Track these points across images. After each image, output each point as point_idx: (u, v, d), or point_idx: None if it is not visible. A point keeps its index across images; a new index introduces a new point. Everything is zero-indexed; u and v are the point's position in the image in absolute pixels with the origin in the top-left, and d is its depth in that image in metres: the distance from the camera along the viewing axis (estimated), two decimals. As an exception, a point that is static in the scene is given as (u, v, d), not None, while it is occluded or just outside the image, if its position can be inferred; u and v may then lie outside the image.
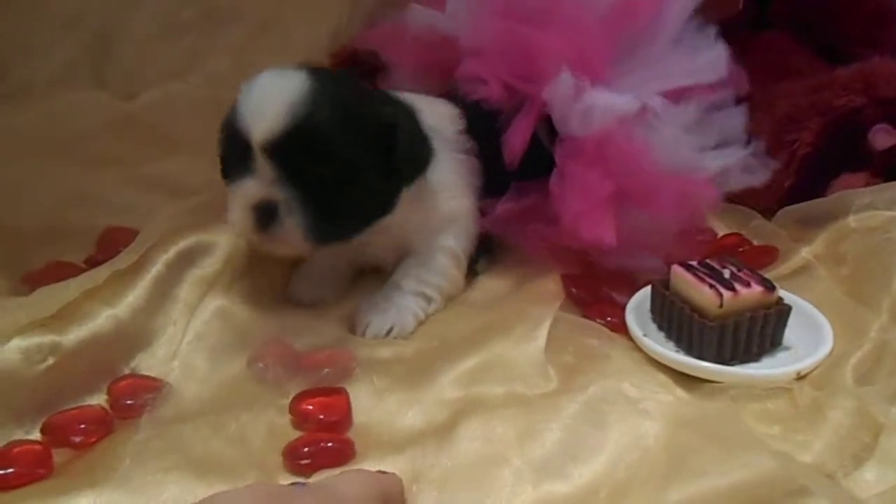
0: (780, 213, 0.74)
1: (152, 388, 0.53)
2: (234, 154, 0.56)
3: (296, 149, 0.54)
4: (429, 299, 0.63)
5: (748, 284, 0.56)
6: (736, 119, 0.65)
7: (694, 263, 0.59)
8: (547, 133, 0.65)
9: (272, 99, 0.54)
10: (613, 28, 0.65)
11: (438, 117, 0.64)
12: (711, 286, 0.55)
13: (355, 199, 0.57)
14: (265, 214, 0.55)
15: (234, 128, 0.55)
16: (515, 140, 0.63)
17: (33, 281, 0.64)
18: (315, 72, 0.56)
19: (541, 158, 0.64)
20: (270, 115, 0.53)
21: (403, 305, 0.62)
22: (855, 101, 0.70)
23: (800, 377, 0.54)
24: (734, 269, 0.58)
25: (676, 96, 0.65)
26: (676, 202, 0.63)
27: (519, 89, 0.64)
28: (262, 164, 0.54)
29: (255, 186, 0.55)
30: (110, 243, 0.70)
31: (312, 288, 0.66)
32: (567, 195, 0.62)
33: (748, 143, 0.65)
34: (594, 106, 0.62)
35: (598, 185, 0.62)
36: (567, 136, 0.63)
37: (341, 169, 0.55)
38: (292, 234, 0.55)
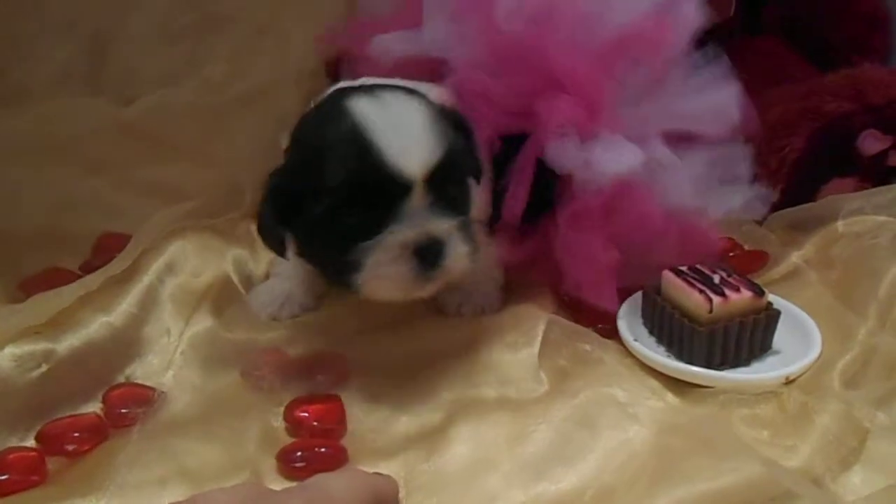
0: (770, 217, 0.74)
1: (147, 396, 0.54)
2: (369, 203, 0.48)
3: (449, 173, 0.50)
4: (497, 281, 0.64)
5: (738, 290, 0.56)
6: (741, 160, 0.62)
7: (684, 269, 0.59)
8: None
9: (417, 129, 0.49)
10: (612, 61, 0.60)
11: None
12: (701, 291, 0.56)
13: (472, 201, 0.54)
14: (432, 253, 0.49)
15: (372, 173, 0.47)
16: (516, 199, 0.60)
17: (29, 287, 0.65)
18: (399, 89, 0.52)
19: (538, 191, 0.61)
20: (425, 146, 0.48)
21: (487, 290, 0.63)
22: (844, 107, 0.70)
23: (788, 382, 0.54)
24: (724, 275, 0.58)
25: (683, 140, 0.61)
26: (679, 247, 0.61)
27: (515, 129, 0.60)
28: (419, 201, 0.48)
29: (412, 228, 0.48)
30: (106, 249, 0.70)
31: (273, 304, 0.63)
32: (571, 262, 0.61)
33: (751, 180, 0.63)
34: (598, 163, 0.57)
35: (602, 255, 0.59)
36: (568, 195, 0.60)
37: (469, 179, 0.53)
38: (461, 262, 0.50)
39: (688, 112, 0.61)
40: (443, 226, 0.49)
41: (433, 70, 0.62)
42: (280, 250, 0.53)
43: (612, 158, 0.58)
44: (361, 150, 0.47)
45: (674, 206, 0.61)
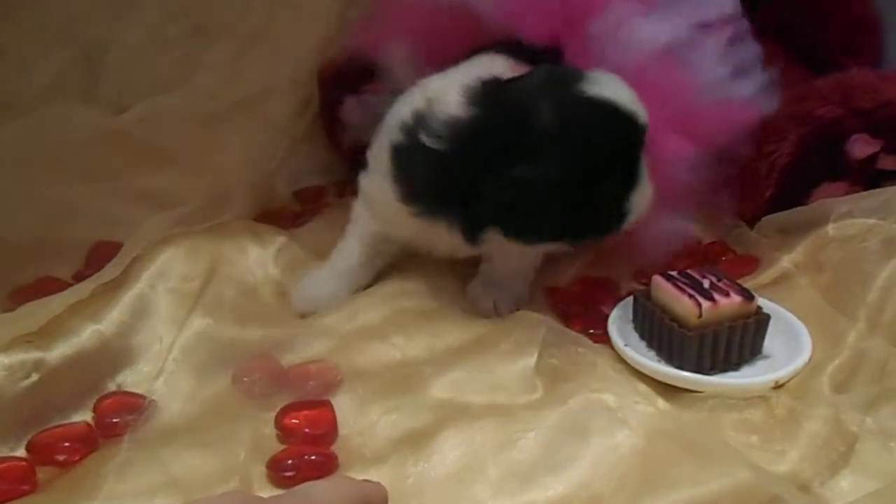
0: (762, 221, 0.75)
1: (137, 405, 0.54)
2: (613, 149, 0.56)
3: None
4: (528, 276, 0.67)
5: (727, 294, 0.57)
6: (751, 49, 0.68)
7: (674, 274, 0.59)
8: None
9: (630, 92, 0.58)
10: None
11: None
12: (691, 296, 0.56)
13: None
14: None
15: (623, 126, 0.56)
16: None
17: (22, 297, 0.64)
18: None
19: None
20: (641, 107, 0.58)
21: (515, 285, 0.66)
22: (834, 112, 0.70)
23: (778, 386, 0.54)
24: (714, 280, 0.58)
25: (699, 30, 0.67)
26: (720, 127, 0.65)
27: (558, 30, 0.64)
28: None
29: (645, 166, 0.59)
30: (99, 258, 0.70)
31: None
32: None
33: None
34: (638, 35, 0.63)
35: (654, 111, 0.61)
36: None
37: None
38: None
39: (699, 3, 0.66)
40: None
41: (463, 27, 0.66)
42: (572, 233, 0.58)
43: (651, 30, 0.64)
44: (628, 121, 0.56)
45: (705, 89, 0.65)
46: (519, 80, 0.58)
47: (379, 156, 0.62)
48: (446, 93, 0.57)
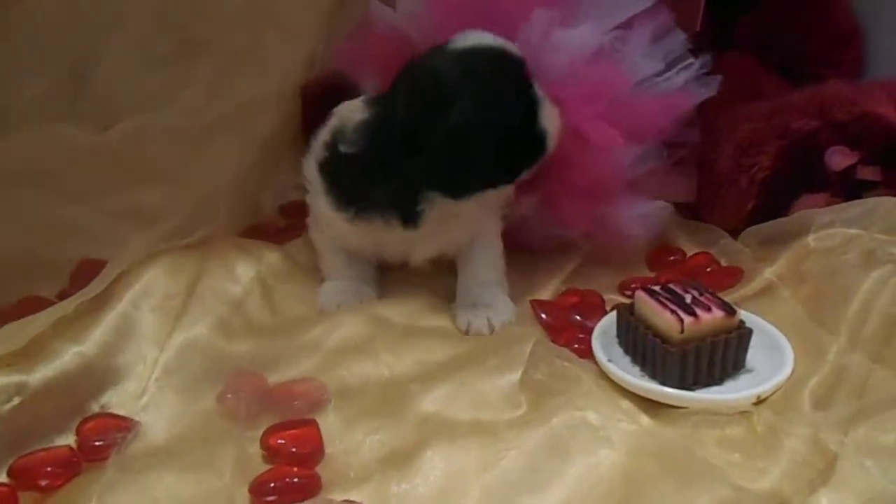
0: (744, 233, 0.75)
1: (121, 427, 0.53)
2: (507, 80, 0.62)
3: None
4: (502, 283, 0.70)
5: (709, 309, 0.57)
6: (676, 41, 0.71)
7: (657, 288, 0.60)
8: None
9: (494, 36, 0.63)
10: None
11: None
12: (673, 312, 0.56)
13: None
14: None
15: (504, 60, 0.62)
16: None
17: (6, 317, 0.64)
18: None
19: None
20: None
21: (499, 298, 0.68)
22: (811, 125, 0.71)
23: (760, 401, 0.54)
24: (696, 294, 0.59)
25: (624, 30, 0.71)
26: (661, 120, 0.69)
27: None
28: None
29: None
30: (84, 277, 0.69)
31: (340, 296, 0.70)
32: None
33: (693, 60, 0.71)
34: (566, 41, 0.67)
35: (584, 105, 0.66)
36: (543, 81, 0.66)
37: None
38: None
39: (615, 6, 0.71)
40: None
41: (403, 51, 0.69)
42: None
43: (577, 35, 0.68)
44: (505, 55, 0.62)
45: (638, 85, 0.69)
46: (399, 73, 0.63)
47: (311, 177, 0.68)
48: (354, 109, 0.64)
